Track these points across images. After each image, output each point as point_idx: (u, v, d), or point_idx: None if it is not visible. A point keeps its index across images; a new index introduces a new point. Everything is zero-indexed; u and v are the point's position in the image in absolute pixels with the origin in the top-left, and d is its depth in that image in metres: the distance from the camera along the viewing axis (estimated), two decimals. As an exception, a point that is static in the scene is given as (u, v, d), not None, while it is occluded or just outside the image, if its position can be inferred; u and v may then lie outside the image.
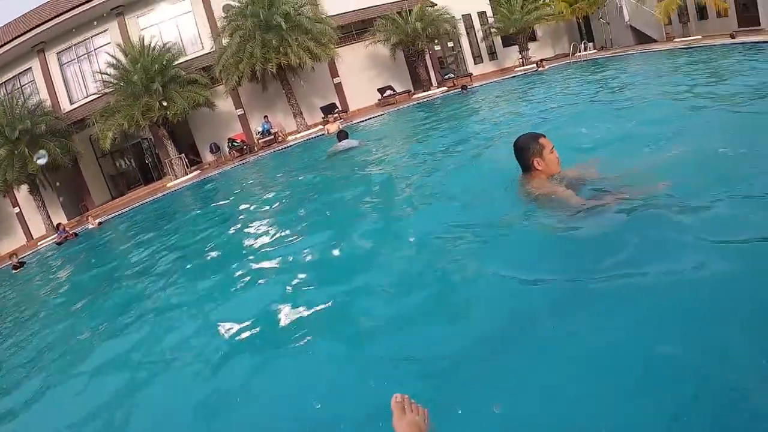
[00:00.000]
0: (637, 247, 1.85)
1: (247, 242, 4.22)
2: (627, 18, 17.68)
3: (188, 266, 4.01)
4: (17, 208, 17.70)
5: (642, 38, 17.44)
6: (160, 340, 2.69)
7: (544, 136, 2.52)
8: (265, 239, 4.07)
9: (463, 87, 13.56)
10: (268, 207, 6.03)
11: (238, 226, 5.25)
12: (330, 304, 2.40)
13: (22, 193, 16.73)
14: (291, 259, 3.27)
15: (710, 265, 1.63)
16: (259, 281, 3.08)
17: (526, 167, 2.54)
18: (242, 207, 6.72)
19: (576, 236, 2.11)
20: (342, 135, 8.29)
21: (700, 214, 1.97)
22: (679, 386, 1.22)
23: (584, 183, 2.52)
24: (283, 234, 4.08)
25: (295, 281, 2.83)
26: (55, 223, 15.70)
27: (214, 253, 4.27)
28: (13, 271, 9.93)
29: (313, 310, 2.38)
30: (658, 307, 1.51)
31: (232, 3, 15.39)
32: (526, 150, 2.50)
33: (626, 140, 3.48)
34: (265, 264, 3.40)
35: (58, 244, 11.41)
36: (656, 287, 1.62)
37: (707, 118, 3.81)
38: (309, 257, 3.19)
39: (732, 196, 2.05)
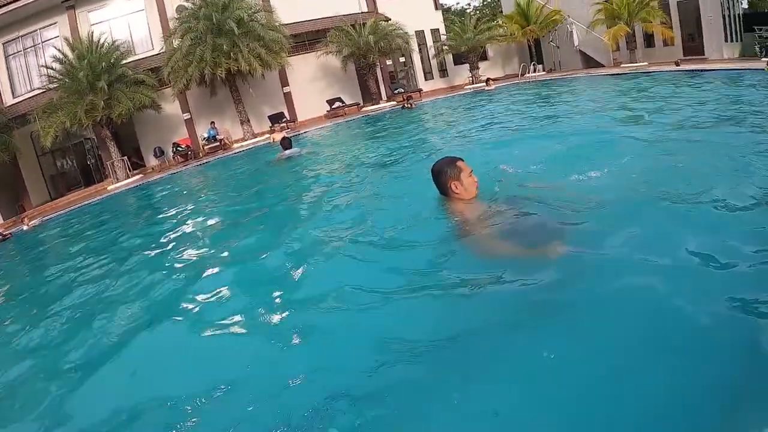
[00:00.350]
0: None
1: (180, 247, 4.27)
2: (576, 42, 18.52)
3: (121, 269, 4.03)
4: (-52, 205, 16.94)
5: (590, 62, 18.33)
6: (84, 341, 2.70)
7: (462, 160, 2.49)
8: (199, 244, 4.19)
9: (407, 100, 13.87)
10: (207, 212, 6.12)
11: (174, 231, 5.30)
12: (250, 308, 2.49)
13: None
14: (219, 263, 3.41)
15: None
16: (186, 285, 3.13)
17: (444, 191, 2.51)
18: (181, 212, 6.76)
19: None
20: (286, 143, 8.51)
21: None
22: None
23: (515, 213, 2.43)
24: (216, 238, 4.26)
25: (221, 285, 2.91)
26: None
27: (147, 256, 4.32)
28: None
29: (231, 315, 2.44)
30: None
31: (186, 4, 15.27)
32: (443, 174, 2.46)
33: (556, 159, 3.68)
34: (195, 267, 3.50)
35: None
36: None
37: (639, 138, 4.09)
38: (237, 262, 3.35)
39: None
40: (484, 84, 16.23)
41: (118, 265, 4.24)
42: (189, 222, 5.69)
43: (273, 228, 4.11)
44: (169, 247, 4.41)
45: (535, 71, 18.68)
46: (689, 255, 1.83)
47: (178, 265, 3.70)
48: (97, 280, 3.93)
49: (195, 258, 3.79)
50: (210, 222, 5.53)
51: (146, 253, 4.44)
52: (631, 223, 2.21)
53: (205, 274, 3.22)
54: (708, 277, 1.72)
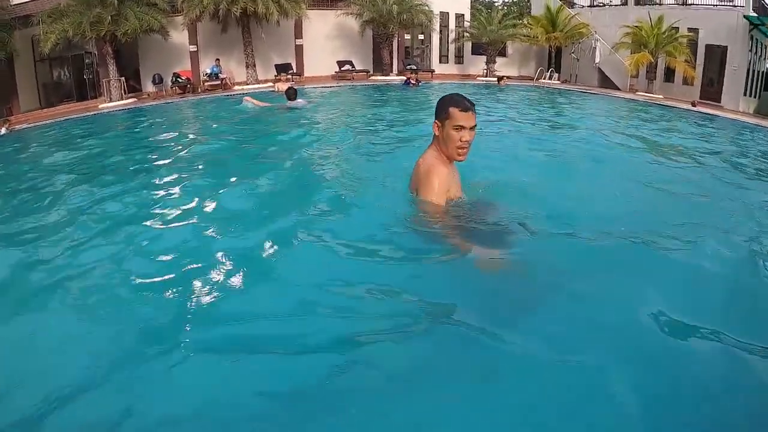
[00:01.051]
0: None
1: (157, 179, 4.06)
2: (597, 60, 18.46)
3: (93, 189, 3.72)
4: (-64, 94, 16.41)
5: (606, 82, 18.29)
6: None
7: (461, 108, 2.04)
8: (178, 180, 3.93)
9: (409, 79, 13.65)
10: (190, 147, 5.89)
11: (153, 159, 5.15)
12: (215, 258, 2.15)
13: None
14: (194, 203, 3.12)
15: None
16: (154, 223, 2.81)
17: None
18: (165, 142, 6.57)
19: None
20: (291, 92, 8.39)
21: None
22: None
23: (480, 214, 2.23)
24: (196, 177, 4.00)
25: (194, 229, 2.62)
26: None
27: (116, 179, 4.07)
28: None
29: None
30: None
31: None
32: (436, 108, 2.14)
33: (543, 168, 3.65)
34: (153, 202, 3.31)
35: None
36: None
37: (633, 164, 4.16)
38: (211, 206, 3.05)
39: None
40: (497, 80, 16.05)
41: (83, 183, 4.00)
42: (170, 153, 5.51)
43: (248, 175, 3.81)
44: (140, 175, 4.22)
45: (550, 78, 18.55)
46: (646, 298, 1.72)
47: (140, 194, 3.51)
48: (59, 193, 3.72)
49: (159, 193, 3.58)
50: (188, 157, 5.29)
51: (117, 175, 4.23)
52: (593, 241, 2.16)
53: (158, 211, 2.98)
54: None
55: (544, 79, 18.51)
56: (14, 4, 16.37)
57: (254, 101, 9.03)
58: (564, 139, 5.59)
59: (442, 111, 2.09)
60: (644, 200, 2.97)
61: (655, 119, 8.99)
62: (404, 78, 14.15)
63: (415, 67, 17.02)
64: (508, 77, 16.74)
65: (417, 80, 13.86)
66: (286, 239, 2.30)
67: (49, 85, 17.08)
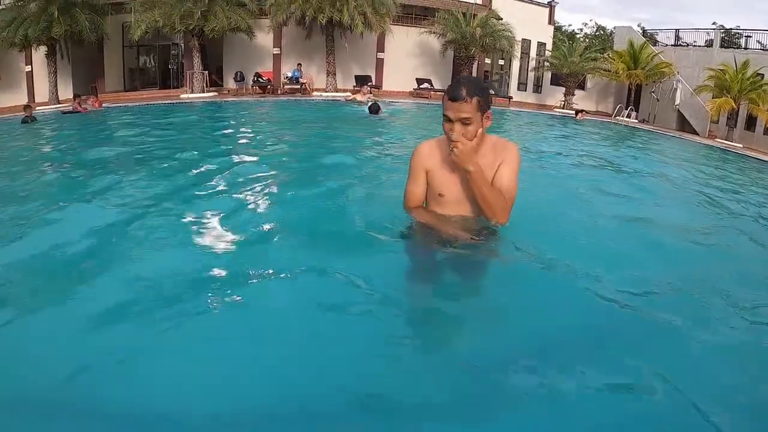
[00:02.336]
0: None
1: (228, 173, 3.99)
2: (678, 101, 17.61)
3: (153, 171, 3.94)
4: (29, 67, 17.31)
5: (685, 125, 17.44)
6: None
7: (450, 95, 1.67)
8: (246, 174, 3.84)
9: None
10: (265, 146, 5.88)
11: (229, 153, 5.14)
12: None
13: (39, 54, 16.38)
14: (256, 200, 3.05)
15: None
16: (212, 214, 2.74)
17: None
18: (242, 138, 6.59)
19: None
20: (375, 108, 8.48)
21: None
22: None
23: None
24: (265, 176, 3.85)
25: (250, 224, 2.57)
26: (60, 94, 15.45)
27: (195, 170, 4.12)
28: (22, 123, 9.69)
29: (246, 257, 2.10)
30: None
31: (307, -58, 15.06)
32: None
33: (598, 211, 3.16)
34: (218, 196, 3.23)
35: (65, 113, 11.22)
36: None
37: (699, 221, 3.53)
38: (270, 204, 2.99)
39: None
40: (575, 113, 15.47)
41: (152, 166, 4.19)
42: (243, 148, 5.54)
43: (319, 181, 3.61)
44: (212, 165, 4.21)
45: (628, 116, 17.79)
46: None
47: (206, 184, 3.47)
48: (127, 173, 3.85)
49: (226, 186, 3.45)
50: (261, 155, 5.26)
51: (188, 163, 4.32)
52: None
53: (222, 205, 2.85)
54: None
55: (622, 116, 17.77)
56: (109, -9, 17.18)
57: (357, 98, 9.10)
58: (629, 184, 4.92)
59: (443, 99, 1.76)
60: (690, 273, 2.24)
61: (733, 172, 8.21)
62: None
63: (492, 92, 16.60)
64: (585, 111, 16.14)
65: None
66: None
67: (135, 71, 17.77)
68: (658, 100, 18.19)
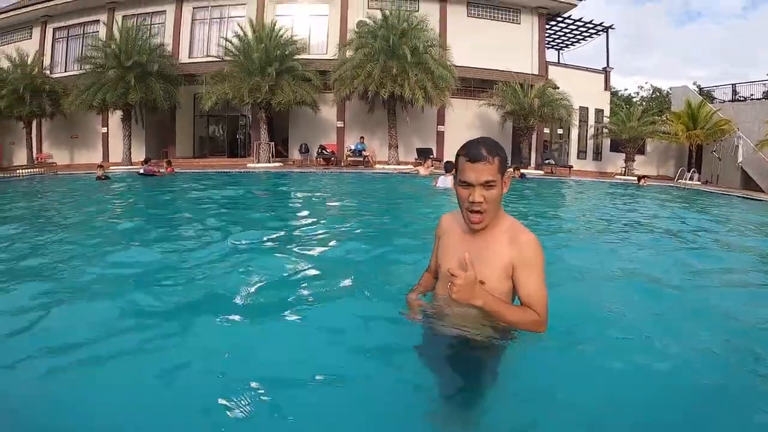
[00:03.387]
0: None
1: (290, 239, 4.22)
2: (740, 159, 17.02)
3: (237, 233, 4.18)
4: (105, 128, 18.67)
5: (749, 183, 16.79)
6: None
7: (469, 156, 1.49)
8: (307, 244, 3.98)
9: (521, 174, 13.31)
10: (328, 216, 6.03)
11: (292, 221, 5.36)
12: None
13: (115, 117, 17.62)
14: (310, 271, 3.05)
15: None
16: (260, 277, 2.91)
17: None
18: (305, 209, 6.76)
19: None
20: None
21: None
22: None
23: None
24: (323, 244, 4.00)
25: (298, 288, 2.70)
26: (132, 156, 16.46)
27: (259, 234, 4.33)
28: (97, 180, 10.64)
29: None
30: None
31: (368, 21, 15.81)
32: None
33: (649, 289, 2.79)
34: (285, 264, 3.26)
35: (141, 174, 12.05)
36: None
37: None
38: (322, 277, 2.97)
39: None
40: (637, 179, 15.13)
41: (208, 230, 4.45)
42: (304, 219, 5.61)
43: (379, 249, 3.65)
44: (277, 233, 4.43)
45: (690, 179, 17.26)
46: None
47: (273, 253, 3.60)
48: (185, 235, 4.27)
49: (293, 254, 3.50)
50: (326, 227, 5.33)
51: (252, 223, 4.70)
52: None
53: (286, 275, 2.94)
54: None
55: (685, 179, 17.26)
56: (182, 63, 18.42)
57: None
58: (697, 256, 4.26)
59: (456, 161, 1.58)
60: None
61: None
62: (545, 173, 13.70)
63: (552, 162, 16.55)
64: (648, 177, 15.75)
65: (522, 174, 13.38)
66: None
67: (204, 139, 18.80)
68: (720, 159, 17.67)
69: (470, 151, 1.49)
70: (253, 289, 2.52)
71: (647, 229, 5.73)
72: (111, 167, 15.82)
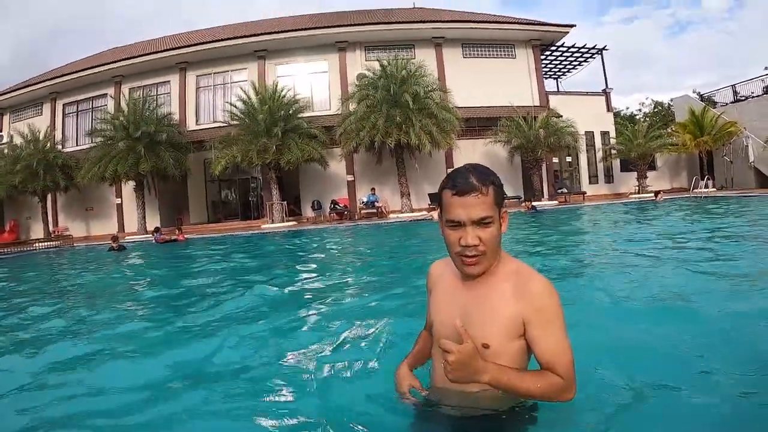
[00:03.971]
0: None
1: (308, 296, 4.27)
2: (752, 158, 16.88)
3: (251, 296, 4.16)
4: (119, 199, 19.02)
5: (764, 181, 16.66)
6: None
7: (455, 189, 1.20)
8: (327, 303, 3.87)
9: (531, 207, 13.37)
10: (345, 273, 5.88)
11: (310, 279, 5.30)
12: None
13: (128, 188, 18.01)
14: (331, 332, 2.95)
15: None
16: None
17: None
18: (322, 265, 6.69)
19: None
20: None
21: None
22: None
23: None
24: (350, 302, 3.87)
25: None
26: (147, 225, 16.73)
27: (285, 291, 4.40)
28: (109, 251, 10.80)
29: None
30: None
31: (367, 73, 16.15)
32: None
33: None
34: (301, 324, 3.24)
35: (160, 243, 12.39)
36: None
37: None
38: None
39: None
40: (653, 195, 14.98)
41: (225, 293, 4.45)
42: (319, 276, 5.53)
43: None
44: (295, 290, 4.48)
45: (706, 187, 17.09)
46: None
47: (290, 312, 3.50)
48: (206, 298, 4.25)
49: (310, 313, 3.46)
50: (341, 274, 5.47)
51: (270, 290, 4.55)
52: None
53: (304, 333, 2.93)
54: None
55: (700, 188, 17.09)
56: (190, 130, 18.89)
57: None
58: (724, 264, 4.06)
59: (439, 195, 1.29)
60: None
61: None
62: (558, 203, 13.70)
63: (566, 190, 16.48)
64: (663, 191, 15.60)
65: (533, 207, 13.46)
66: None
67: (217, 203, 19.06)
68: (731, 162, 17.54)
69: (457, 181, 1.20)
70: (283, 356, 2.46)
71: (678, 246, 5.44)
72: (126, 236, 16.13)
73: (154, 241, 12.69)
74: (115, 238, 11.35)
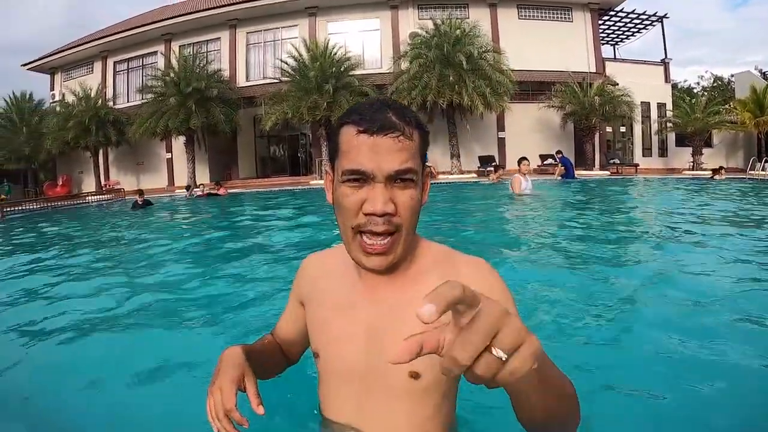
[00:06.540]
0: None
1: None
2: None
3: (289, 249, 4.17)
4: (170, 154, 19.58)
5: None
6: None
7: (361, 125, 0.76)
8: None
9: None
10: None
11: None
12: None
13: (178, 143, 18.48)
14: None
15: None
16: None
17: None
18: None
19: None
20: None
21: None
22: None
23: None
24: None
25: None
26: (197, 179, 17.15)
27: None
28: (132, 209, 10.22)
29: None
30: None
31: (420, 32, 15.98)
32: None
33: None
34: None
35: (200, 196, 12.71)
36: None
37: None
38: None
39: None
40: (711, 173, 14.39)
41: (262, 248, 4.40)
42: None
43: None
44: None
45: (764, 169, 16.46)
46: None
47: None
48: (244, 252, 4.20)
49: None
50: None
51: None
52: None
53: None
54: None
55: (757, 170, 16.48)
56: (240, 87, 19.16)
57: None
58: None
59: (332, 137, 0.85)
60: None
61: None
62: (610, 173, 13.16)
63: (618, 161, 16.12)
64: (724, 169, 14.88)
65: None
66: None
67: (266, 159, 19.46)
68: (793, 143, 16.81)
69: (367, 113, 0.77)
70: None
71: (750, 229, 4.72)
72: (176, 190, 16.69)
73: (186, 197, 12.81)
74: (140, 192, 11.06)
